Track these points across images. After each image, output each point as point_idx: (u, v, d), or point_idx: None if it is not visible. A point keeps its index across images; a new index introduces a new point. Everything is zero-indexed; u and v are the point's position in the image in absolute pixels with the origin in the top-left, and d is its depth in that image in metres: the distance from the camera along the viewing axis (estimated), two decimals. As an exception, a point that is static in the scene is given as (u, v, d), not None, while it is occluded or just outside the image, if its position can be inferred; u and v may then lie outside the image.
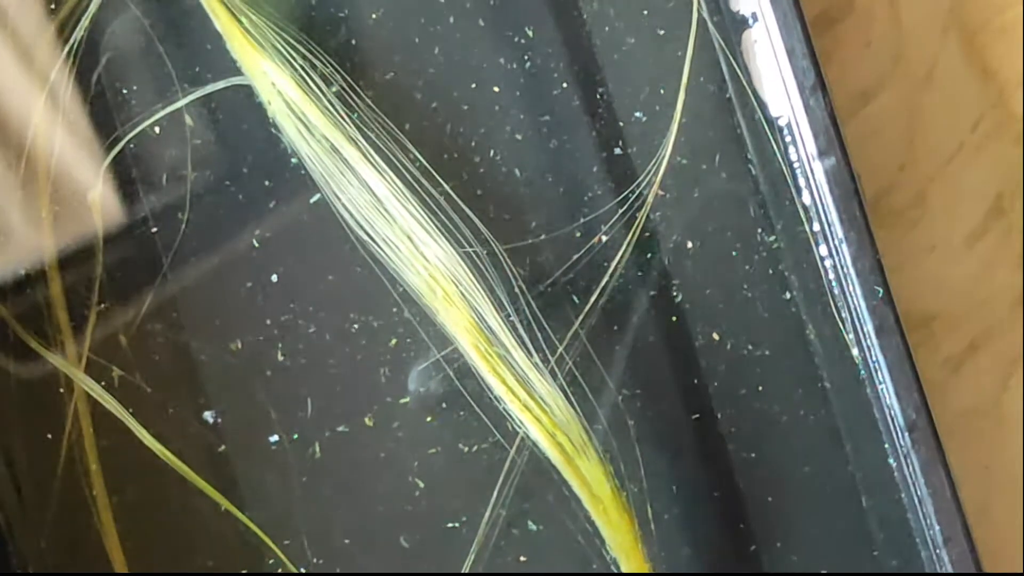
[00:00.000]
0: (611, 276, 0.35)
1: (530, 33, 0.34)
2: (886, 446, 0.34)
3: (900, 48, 0.40)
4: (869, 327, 0.33)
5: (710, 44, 0.34)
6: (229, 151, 0.35)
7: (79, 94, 0.34)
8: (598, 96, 0.35)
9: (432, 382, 0.35)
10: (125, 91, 0.34)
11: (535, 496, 0.35)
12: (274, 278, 0.35)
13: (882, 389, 0.33)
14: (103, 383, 0.35)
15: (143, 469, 0.36)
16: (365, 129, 0.34)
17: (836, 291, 0.34)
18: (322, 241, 0.35)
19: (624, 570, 0.35)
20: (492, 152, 0.35)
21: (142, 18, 0.34)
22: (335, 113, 0.33)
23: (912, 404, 0.33)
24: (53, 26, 0.35)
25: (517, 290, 0.34)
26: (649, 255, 0.35)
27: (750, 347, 0.36)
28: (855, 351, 0.34)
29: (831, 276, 0.34)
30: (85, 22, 0.34)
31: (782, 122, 0.33)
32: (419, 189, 0.34)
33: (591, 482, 0.34)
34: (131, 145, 0.34)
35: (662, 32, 0.34)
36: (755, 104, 0.34)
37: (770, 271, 0.35)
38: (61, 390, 0.35)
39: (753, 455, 0.36)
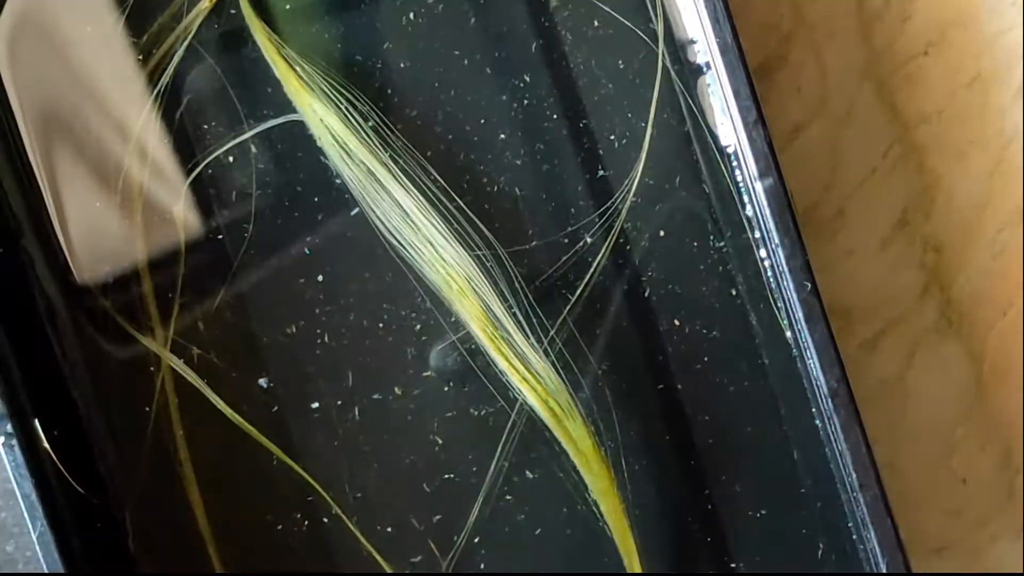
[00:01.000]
0: (593, 273, 0.34)
1: (527, 79, 0.34)
2: (813, 410, 0.33)
3: (824, 92, 0.38)
4: (799, 315, 0.32)
5: (672, 87, 0.34)
6: (285, 174, 0.34)
7: (165, 129, 0.34)
8: (582, 128, 0.35)
9: (448, 359, 0.35)
10: (203, 126, 0.34)
11: (531, 450, 0.35)
12: (320, 277, 0.35)
13: (810, 364, 0.33)
14: (184, 360, 0.35)
15: (216, 428, 0.35)
16: (395, 155, 0.33)
17: (773, 286, 0.33)
18: (360, 246, 0.34)
19: (603, 510, 0.34)
20: (496, 174, 0.34)
21: (215, 67, 0.34)
22: (371, 143, 0.33)
23: (834, 376, 0.32)
24: (144, 75, 0.36)
25: (517, 285, 0.34)
26: (623, 257, 0.35)
27: (704, 330, 0.35)
28: (788, 333, 0.33)
29: (769, 274, 0.33)
30: (170, 71, 0.34)
31: (729, 150, 0.33)
32: (438, 204, 0.33)
33: (576, 439, 0.34)
34: (207, 170, 0.34)
35: (634, 78, 0.34)
36: (708, 135, 0.33)
37: (720, 269, 0.35)
38: (151, 367, 0.35)
39: (706, 417, 0.36)
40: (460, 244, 0.33)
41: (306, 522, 0.36)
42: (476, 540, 0.35)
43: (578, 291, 0.34)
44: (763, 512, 0.36)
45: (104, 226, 0.34)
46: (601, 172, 0.34)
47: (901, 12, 0.37)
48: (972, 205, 0.38)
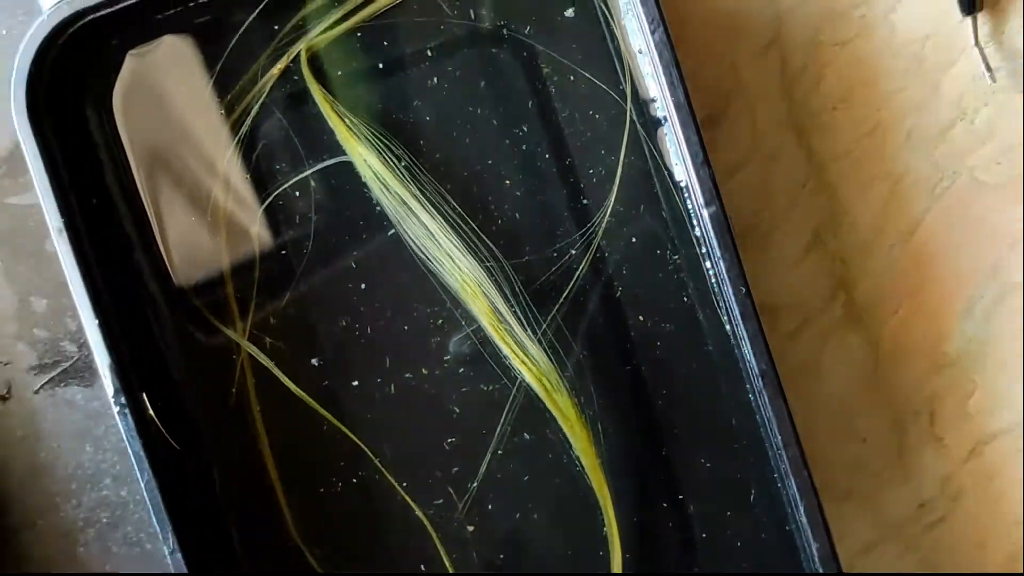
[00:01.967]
0: (575, 280, 0.35)
1: (525, 128, 0.35)
2: (747, 387, 0.34)
3: (757, 138, 0.38)
4: (736, 312, 0.33)
5: (638, 135, 0.34)
6: (336, 203, 0.35)
7: (244, 166, 0.35)
8: (567, 166, 0.35)
9: (464, 346, 0.35)
10: (273, 165, 0.35)
11: (528, 418, 0.35)
12: (363, 284, 0.35)
13: (745, 351, 0.33)
14: (258, 346, 0.36)
15: (282, 400, 0.36)
16: (422, 188, 0.34)
17: (716, 290, 0.34)
18: (394, 259, 0.35)
19: (583, 463, 0.35)
20: (500, 202, 0.35)
21: (283, 119, 0.35)
22: (403, 178, 0.34)
23: (763, 360, 0.33)
24: (228, 125, 0.35)
25: (517, 289, 0.34)
26: (600, 267, 0.35)
27: (663, 325, 0.36)
28: (728, 327, 0.34)
29: (713, 281, 0.34)
30: (248, 122, 0.34)
31: (682, 184, 0.33)
32: (455, 225, 0.34)
33: (563, 408, 0.35)
34: (277, 199, 0.34)
35: (608, 128, 0.34)
36: (666, 173, 0.34)
37: (675, 277, 0.35)
38: (233, 353, 0.36)
39: (664, 391, 0.36)
40: (472, 257, 0.34)
41: (351, 472, 0.36)
42: (485, 487, 0.36)
43: (564, 293, 0.35)
44: (708, 464, 0.36)
45: (196, 242, 0.35)
46: (583, 201, 0.34)
47: (816, 75, 0.38)
48: (871, 226, 0.38)
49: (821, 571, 0.34)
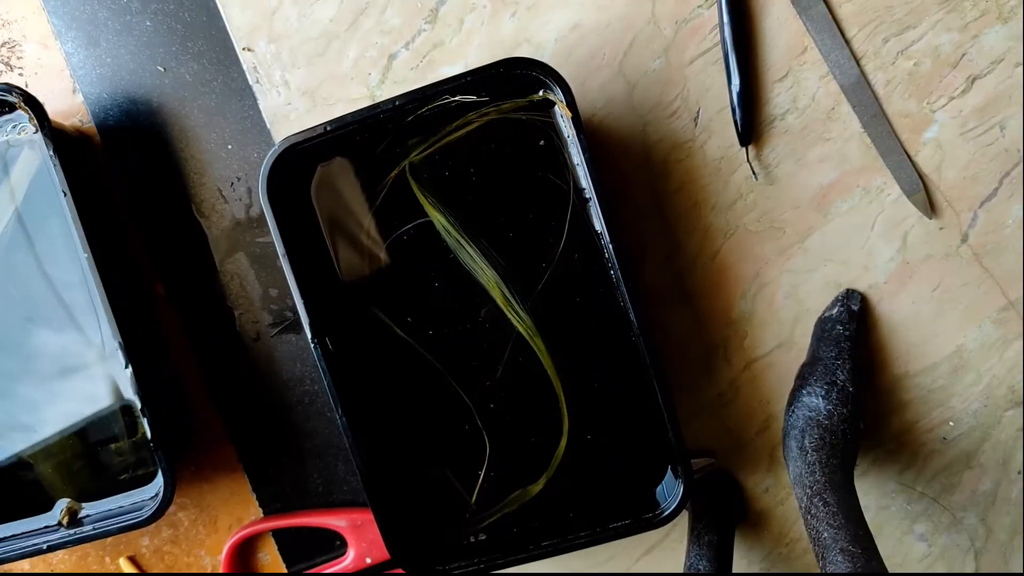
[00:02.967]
0: (543, 281, 0.38)
1: (519, 203, 0.38)
2: (631, 336, 0.37)
3: (637, 207, 0.41)
4: (627, 297, 0.36)
5: (575, 208, 0.37)
6: (422, 241, 0.39)
7: (376, 224, 0.39)
8: (541, 223, 0.38)
9: (486, 312, 0.39)
10: (392, 222, 0.39)
11: (520, 351, 0.39)
12: (436, 283, 0.39)
13: (632, 319, 0.37)
14: (384, 313, 0.39)
15: (391, 341, 0.39)
16: (469, 232, 0.38)
17: (615, 282, 0.37)
18: (452, 268, 0.39)
19: (548, 374, 0.38)
20: (506, 240, 0.38)
21: (394, 199, 0.38)
22: (457, 228, 0.38)
23: (644, 323, 0.36)
24: (368, 203, 0.39)
25: (514, 285, 0.38)
26: (556, 273, 0.38)
27: (594, 305, 0.38)
28: (621, 304, 0.37)
29: (614, 277, 0.37)
30: (378, 201, 0.38)
31: (599, 231, 0.37)
32: (485, 252, 0.38)
33: (537, 346, 0.39)
34: (393, 242, 0.39)
35: (558, 202, 0.38)
36: (593, 229, 0.38)
37: (600, 288, 0.38)
38: (369, 317, 0.39)
39: (586, 333, 0.39)
40: (492, 266, 0.38)
41: (429, 380, 0.40)
42: (498, 385, 0.39)
43: (538, 286, 0.39)
44: (615, 395, 0.39)
45: (353, 262, 0.39)
46: (549, 240, 0.38)
47: (666, 175, 0.40)
48: (694, 251, 0.41)
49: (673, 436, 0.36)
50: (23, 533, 0.42)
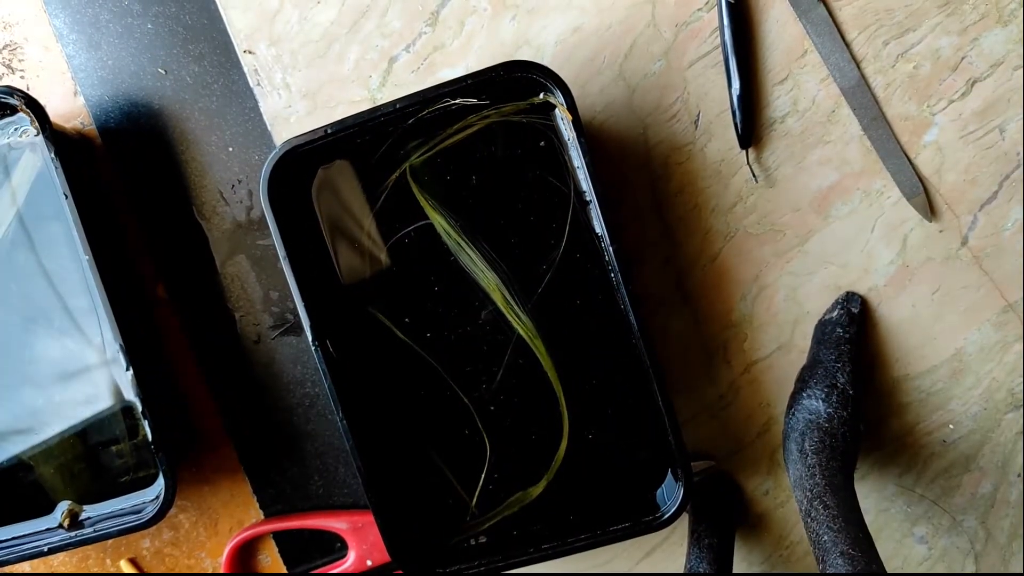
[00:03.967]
0: (544, 283, 0.38)
1: (519, 205, 0.38)
2: (632, 339, 0.37)
3: (637, 212, 0.41)
4: (627, 299, 0.36)
5: (576, 210, 0.37)
6: (423, 244, 0.39)
7: (377, 225, 0.38)
8: (543, 224, 0.38)
9: (486, 314, 0.39)
10: (393, 224, 0.39)
11: (520, 354, 0.39)
12: (436, 288, 0.39)
13: (631, 319, 0.36)
14: (383, 314, 0.39)
15: (390, 342, 0.39)
16: (470, 235, 0.38)
17: (615, 285, 0.37)
18: (453, 271, 0.38)
19: (548, 376, 0.38)
20: (507, 242, 0.38)
21: (395, 201, 0.38)
22: (458, 231, 0.38)
23: (640, 324, 0.36)
24: (369, 204, 0.38)
25: (515, 286, 0.38)
26: (557, 281, 0.38)
27: (594, 307, 0.38)
28: (621, 306, 0.37)
29: (614, 280, 0.37)
30: (379, 203, 0.38)
31: (599, 233, 0.37)
32: (486, 254, 0.38)
33: (537, 348, 0.39)
34: (395, 243, 0.39)
35: (559, 204, 0.38)
36: (593, 231, 0.38)
37: (595, 282, 0.38)
38: (368, 318, 0.39)
39: (587, 337, 0.38)
40: (494, 268, 0.38)
41: (429, 381, 0.40)
42: (499, 387, 0.39)
43: (539, 289, 0.39)
44: (615, 397, 0.39)
45: (353, 263, 0.39)
46: (551, 241, 0.38)
47: (667, 178, 0.40)
48: (695, 251, 0.40)
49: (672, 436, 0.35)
50: (24, 535, 0.42)
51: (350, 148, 0.38)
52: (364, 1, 0.40)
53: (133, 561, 0.46)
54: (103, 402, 0.41)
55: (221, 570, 0.45)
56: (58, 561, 0.46)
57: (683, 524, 0.43)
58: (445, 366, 0.40)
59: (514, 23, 0.40)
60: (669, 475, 0.39)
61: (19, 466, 0.42)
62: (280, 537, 0.46)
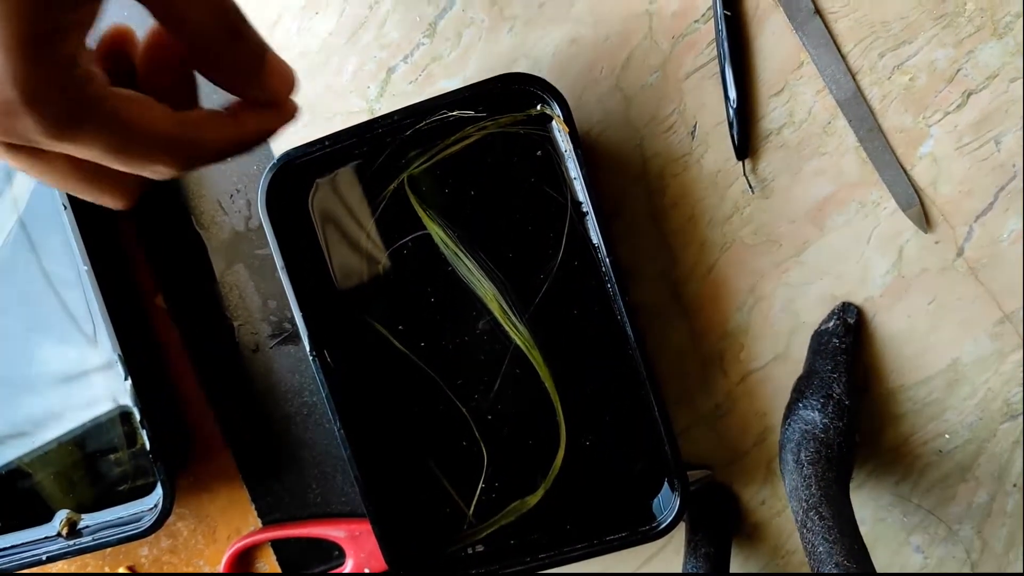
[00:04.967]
0: (541, 293, 0.39)
1: (517, 216, 0.39)
2: (628, 347, 0.37)
3: (633, 222, 0.40)
4: (622, 307, 0.37)
5: (573, 222, 0.38)
6: (420, 254, 0.39)
7: (378, 232, 0.39)
8: (540, 234, 0.39)
9: (483, 324, 0.39)
10: (391, 234, 0.39)
11: (517, 364, 0.39)
12: (432, 299, 0.39)
13: (626, 326, 0.37)
14: (379, 323, 0.39)
15: (387, 350, 0.39)
16: (467, 245, 0.39)
17: (611, 294, 0.37)
18: (450, 281, 0.39)
19: (546, 386, 0.38)
20: (505, 253, 0.39)
21: (394, 210, 0.38)
22: (456, 241, 0.39)
23: (636, 333, 0.36)
24: (369, 212, 0.39)
25: (513, 296, 0.39)
26: (554, 285, 0.39)
27: (591, 319, 0.39)
28: (618, 317, 0.37)
29: (609, 288, 0.37)
30: (378, 211, 0.39)
31: (595, 244, 0.37)
32: (484, 265, 0.39)
33: (534, 358, 0.39)
34: (392, 253, 0.39)
35: (556, 214, 0.38)
36: (590, 242, 0.38)
37: (595, 304, 0.38)
38: (364, 328, 0.39)
39: (582, 349, 0.39)
40: (491, 278, 0.39)
41: (426, 391, 0.40)
42: (496, 396, 0.39)
43: (536, 299, 0.39)
44: (612, 407, 0.39)
45: (352, 268, 0.39)
46: (549, 251, 0.38)
47: (662, 190, 0.40)
48: (691, 263, 0.41)
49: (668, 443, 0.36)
50: (23, 544, 0.42)
51: (348, 159, 0.39)
52: (362, 12, 0.41)
53: (131, 569, 0.47)
54: (101, 410, 0.42)
55: (219, 578, 0.45)
56: (56, 570, 0.47)
57: (680, 533, 0.43)
58: (442, 376, 0.40)
59: (511, 35, 0.40)
60: (665, 485, 0.39)
61: (17, 472, 0.43)
62: (278, 545, 0.46)
